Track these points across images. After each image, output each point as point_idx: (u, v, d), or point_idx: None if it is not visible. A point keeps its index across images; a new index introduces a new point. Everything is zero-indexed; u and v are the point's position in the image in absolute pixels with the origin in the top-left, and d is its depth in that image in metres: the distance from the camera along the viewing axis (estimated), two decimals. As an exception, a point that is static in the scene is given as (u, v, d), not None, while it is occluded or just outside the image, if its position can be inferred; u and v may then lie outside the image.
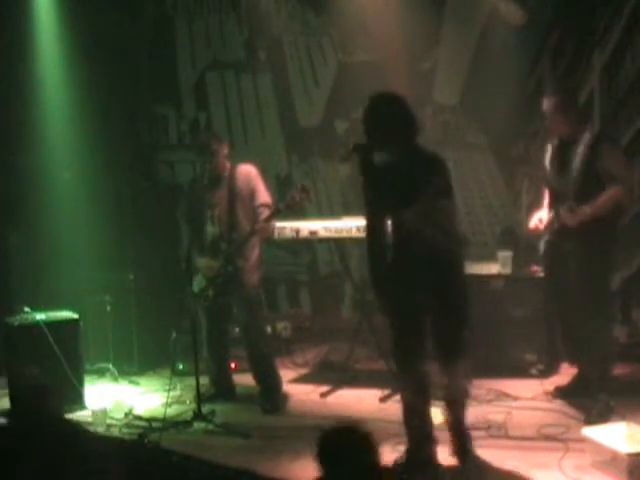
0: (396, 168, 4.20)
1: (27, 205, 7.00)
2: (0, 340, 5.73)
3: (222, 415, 5.30)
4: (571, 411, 5.04)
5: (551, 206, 5.13)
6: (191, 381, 5.41)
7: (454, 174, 6.34)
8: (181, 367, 6.19)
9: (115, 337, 6.45)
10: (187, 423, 5.14)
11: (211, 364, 5.75)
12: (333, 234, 5.88)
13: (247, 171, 5.53)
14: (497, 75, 6.52)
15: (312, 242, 7.20)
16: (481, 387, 5.54)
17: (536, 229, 5.19)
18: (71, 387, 5.54)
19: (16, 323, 5.61)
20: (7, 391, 5.61)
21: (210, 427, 5.09)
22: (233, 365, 6.02)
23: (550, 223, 5.09)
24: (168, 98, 8.07)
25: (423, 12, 6.56)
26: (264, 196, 5.48)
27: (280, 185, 7.43)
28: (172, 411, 5.40)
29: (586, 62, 6.40)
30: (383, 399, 5.48)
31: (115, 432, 5.10)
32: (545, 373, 5.80)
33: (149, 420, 5.21)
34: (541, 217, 5.21)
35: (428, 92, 7.04)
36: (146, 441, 4.84)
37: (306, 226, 5.93)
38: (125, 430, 5.14)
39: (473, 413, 5.08)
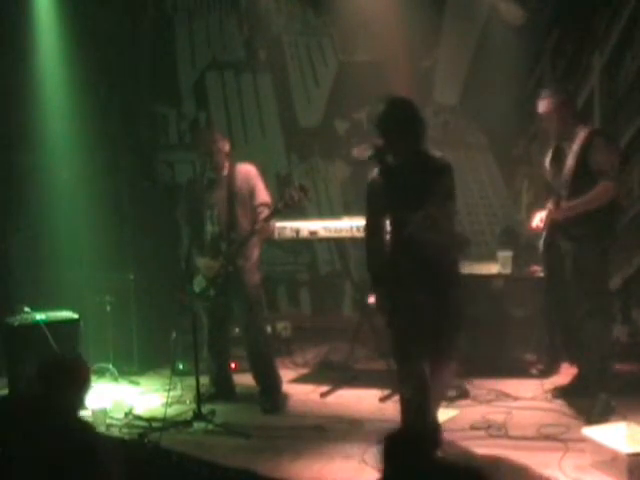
0: (406, 170, 4.28)
1: (27, 205, 7.00)
2: (0, 340, 5.73)
3: (222, 415, 5.30)
4: (571, 411, 5.04)
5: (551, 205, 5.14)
6: (191, 381, 5.41)
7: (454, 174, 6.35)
8: (181, 367, 6.19)
9: (115, 337, 6.45)
10: (187, 423, 5.14)
11: (211, 364, 5.75)
12: (333, 234, 5.88)
13: (246, 170, 5.52)
14: (497, 75, 6.52)
15: (312, 242, 7.20)
16: (481, 387, 5.54)
17: (537, 228, 5.19)
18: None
19: (16, 323, 5.61)
20: (7, 391, 5.60)
21: (210, 427, 5.09)
22: (233, 365, 6.01)
23: (545, 220, 5.10)
24: (168, 98, 8.07)
25: (423, 12, 6.56)
26: (264, 196, 5.48)
27: (280, 185, 7.43)
28: (172, 411, 5.39)
29: (586, 62, 6.40)
30: (383, 399, 5.48)
31: (115, 432, 5.10)
32: (545, 373, 5.80)
33: (149, 420, 5.21)
34: (542, 217, 5.21)
35: (428, 92, 7.03)
36: (146, 441, 4.84)
37: (306, 226, 5.94)
38: (125, 430, 5.13)
39: (473, 413, 5.10)
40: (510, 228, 6.56)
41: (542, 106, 5.03)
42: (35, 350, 5.49)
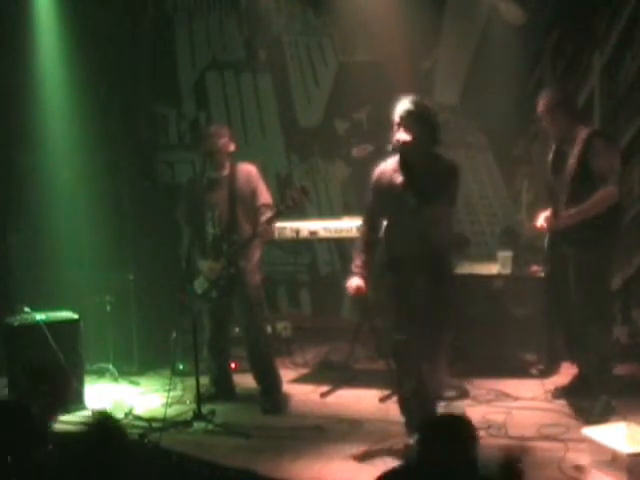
0: (421, 167, 4.47)
1: (27, 205, 6.99)
2: (0, 340, 5.72)
3: (222, 415, 5.30)
4: (571, 411, 5.04)
5: (552, 207, 5.13)
6: (191, 381, 5.41)
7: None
8: (181, 367, 6.19)
9: (115, 337, 6.45)
10: (187, 423, 5.14)
11: (212, 364, 5.74)
12: (333, 234, 5.88)
13: (248, 170, 5.51)
14: (497, 75, 6.52)
15: (312, 242, 7.20)
16: (481, 387, 5.55)
17: (542, 228, 5.20)
18: (71, 387, 5.53)
19: (16, 323, 5.61)
20: (7, 391, 5.60)
21: (210, 427, 5.09)
22: (233, 365, 6.02)
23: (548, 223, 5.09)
24: (168, 98, 8.07)
25: (423, 12, 6.56)
26: (265, 196, 5.47)
27: (280, 185, 7.43)
28: (172, 411, 5.39)
29: (586, 62, 6.40)
30: (383, 399, 5.48)
31: (115, 432, 5.10)
32: (545, 373, 5.80)
33: (149, 420, 5.21)
34: (547, 216, 5.21)
35: (428, 92, 7.03)
36: (146, 441, 4.84)
37: (306, 226, 5.94)
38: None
39: (473, 413, 5.10)
40: (510, 228, 6.56)
41: (540, 106, 5.05)
42: (35, 350, 5.50)
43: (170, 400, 5.39)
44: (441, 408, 4.80)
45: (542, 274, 5.77)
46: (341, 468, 4.40)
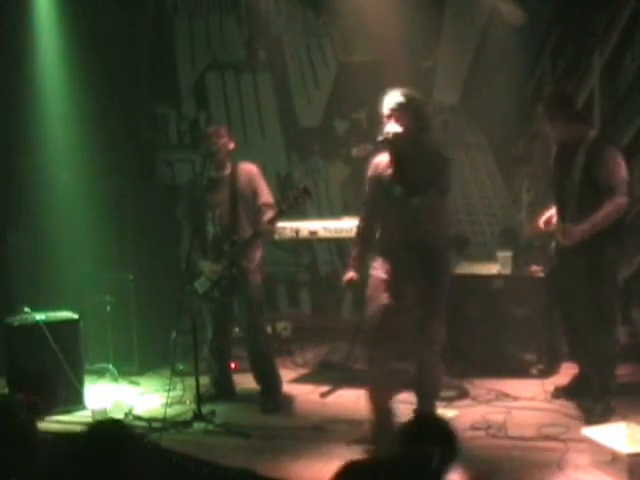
0: (413, 158, 4.51)
1: (27, 205, 6.99)
2: (0, 340, 5.72)
3: (222, 415, 5.30)
4: (571, 411, 5.04)
5: (557, 210, 5.12)
6: (191, 381, 5.40)
7: (454, 174, 6.37)
8: (181, 367, 6.18)
9: (115, 337, 6.45)
10: (187, 423, 5.14)
11: (213, 364, 5.74)
12: (333, 234, 5.88)
13: (249, 170, 5.51)
14: (497, 75, 6.52)
15: (312, 242, 7.20)
16: (481, 387, 5.55)
17: (545, 228, 5.19)
18: (71, 387, 5.54)
19: (16, 323, 5.61)
20: (7, 391, 5.60)
21: (210, 427, 5.09)
22: (233, 365, 6.02)
23: (554, 231, 5.08)
24: (168, 98, 8.07)
25: (423, 12, 6.56)
26: (267, 196, 5.47)
27: (281, 185, 7.43)
28: (172, 411, 5.39)
29: (586, 63, 6.40)
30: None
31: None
32: (545, 373, 5.80)
33: (149, 420, 5.21)
34: (551, 216, 5.20)
35: (428, 92, 7.03)
36: (146, 441, 4.84)
37: (306, 226, 5.94)
38: (125, 430, 5.13)
39: (473, 413, 5.10)
40: (510, 228, 6.56)
41: (539, 108, 5.06)
42: (35, 350, 5.50)
43: (170, 400, 5.39)
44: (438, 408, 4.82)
45: (542, 274, 5.78)
46: (341, 468, 4.39)
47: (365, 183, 4.75)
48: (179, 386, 5.80)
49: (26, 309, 5.72)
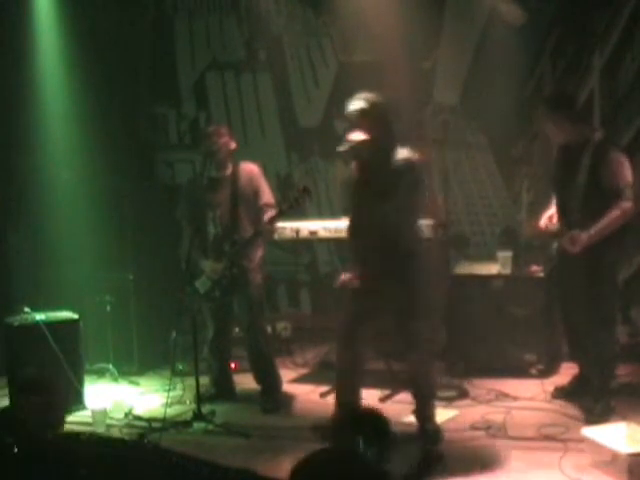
0: (377, 166, 4.54)
1: (27, 205, 6.99)
2: (0, 340, 5.72)
3: (222, 415, 5.30)
4: (571, 411, 5.04)
5: (558, 213, 5.11)
6: (191, 381, 5.41)
7: (454, 174, 6.39)
8: (181, 367, 6.19)
9: (115, 337, 6.45)
10: (187, 423, 5.14)
11: (213, 364, 5.74)
12: (333, 234, 5.88)
13: (250, 169, 5.51)
14: (497, 75, 6.52)
15: (312, 242, 7.19)
16: (481, 387, 5.55)
17: (546, 228, 5.19)
18: (71, 387, 5.54)
19: (16, 323, 5.61)
20: (7, 391, 5.61)
21: (210, 427, 5.09)
22: (233, 365, 6.02)
23: (559, 232, 5.07)
24: (168, 98, 8.07)
25: (423, 12, 6.56)
26: (267, 196, 5.47)
27: (281, 185, 7.44)
28: (172, 411, 5.39)
29: (586, 62, 6.40)
30: (383, 399, 5.48)
31: (115, 432, 5.10)
32: (545, 373, 5.80)
33: (149, 420, 5.22)
34: (551, 215, 5.19)
35: (428, 92, 7.04)
36: (146, 441, 4.83)
37: (306, 226, 5.93)
38: (125, 430, 5.13)
39: (473, 413, 5.11)
40: (510, 228, 6.57)
41: (540, 109, 5.05)
42: (35, 350, 5.49)
43: (170, 400, 5.39)
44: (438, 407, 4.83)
45: (542, 274, 5.78)
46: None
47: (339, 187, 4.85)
48: (179, 386, 5.80)
49: (26, 309, 5.72)
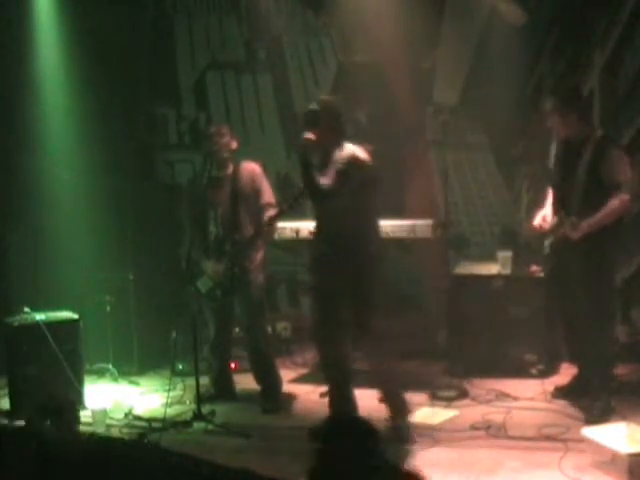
0: (322, 165, 4.70)
1: (27, 205, 6.99)
2: (0, 340, 5.72)
3: (222, 415, 5.30)
4: (571, 411, 5.04)
5: (555, 208, 5.11)
6: (191, 381, 5.41)
7: (454, 174, 6.37)
8: (181, 367, 6.19)
9: (115, 337, 6.45)
10: (187, 423, 5.14)
11: (214, 364, 5.74)
12: (333, 234, 5.87)
13: (251, 169, 5.51)
14: (497, 75, 6.52)
15: (312, 242, 7.19)
16: (481, 387, 5.55)
17: (540, 228, 5.19)
18: (71, 387, 5.53)
19: (16, 323, 5.61)
20: (7, 391, 5.61)
21: (210, 427, 5.09)
22: (233, 365, 6.02)
23: (555, 228, 5.07)
24: (168, 98, 8.06)
25: (423, 12, 6.56)
26: (269, 196, 5.47)
27: (281, 184, 7.43)
28: (172, 411, 5.40)
29: (586, 62, 6.40)
30: (382, 399, 5.47)
31: (115, 432, 5.10)
32: (545, 373, 5.80)
33: (149, 420, 5.22)
34: (545, 215, 5.20)
35: (428, 92, 7.03)
36: (146, 441, 4.84)
37: (306, 226, 5.93)
38: (125, 430, 5.14)
39: (473, 413, 5.10)
40: (510, 228, 6.56)
41: (546, 105, 5.05)
42: (35, 350, 5.50)
43: (170, 400, 5.40)
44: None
45: (542, 274, 5.77)
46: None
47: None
48: (179, 386, 5.80)
49: (26, 309, 5.72)
